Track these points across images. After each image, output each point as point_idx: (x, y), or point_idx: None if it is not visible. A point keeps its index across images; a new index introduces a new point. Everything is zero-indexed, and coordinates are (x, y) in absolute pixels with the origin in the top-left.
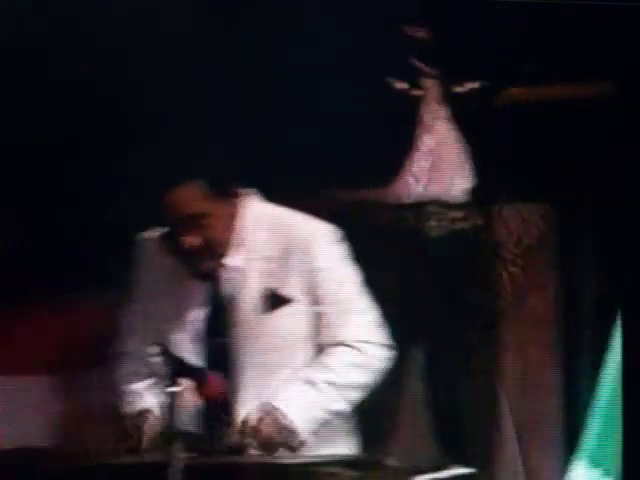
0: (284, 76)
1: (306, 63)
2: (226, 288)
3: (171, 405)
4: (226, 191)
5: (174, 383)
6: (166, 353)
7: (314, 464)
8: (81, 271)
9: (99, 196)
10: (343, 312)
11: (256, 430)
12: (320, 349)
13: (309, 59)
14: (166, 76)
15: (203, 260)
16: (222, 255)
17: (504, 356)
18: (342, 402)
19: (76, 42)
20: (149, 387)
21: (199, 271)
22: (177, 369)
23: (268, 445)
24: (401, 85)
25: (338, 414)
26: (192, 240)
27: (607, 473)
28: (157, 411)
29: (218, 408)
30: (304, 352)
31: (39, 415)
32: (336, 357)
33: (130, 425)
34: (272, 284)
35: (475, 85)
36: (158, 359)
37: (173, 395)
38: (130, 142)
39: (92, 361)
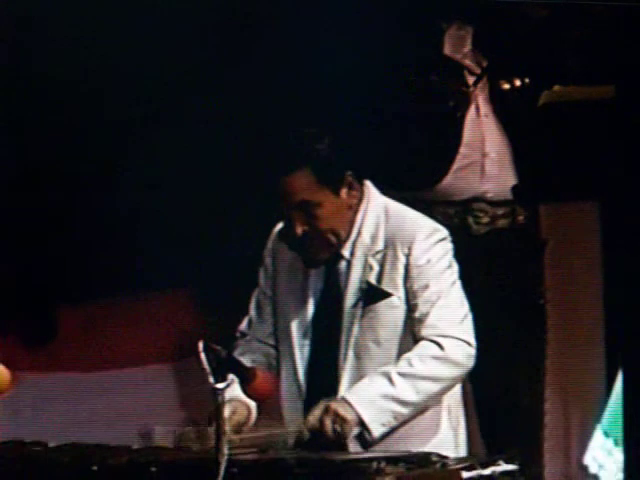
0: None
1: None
2: (335, 279)
3: (217, 401)
4: (338, 181)
5: (221, 379)
6: (213, 350)
7: (361, 460)
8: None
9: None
10: (432, 307)
11: (323, 423)
12: (414, 341)
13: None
14: (281, 67)
15: (313, 249)
16: (333, 245)
17: (549, 353)
18: (415, 394)
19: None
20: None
21: (310, 259)
22: (224, 365)
23: (334, 438)
24: (446, 84)
25: (409, 405)
26: (302, 228)
27: (616, 443)
28: (247, 401)
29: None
30: (401, 345)
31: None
32: (416, 350)
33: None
34: (374, 277)
35: (520, 83)
36: (205, 355)
37: (220, 391)
38: (245, 131)
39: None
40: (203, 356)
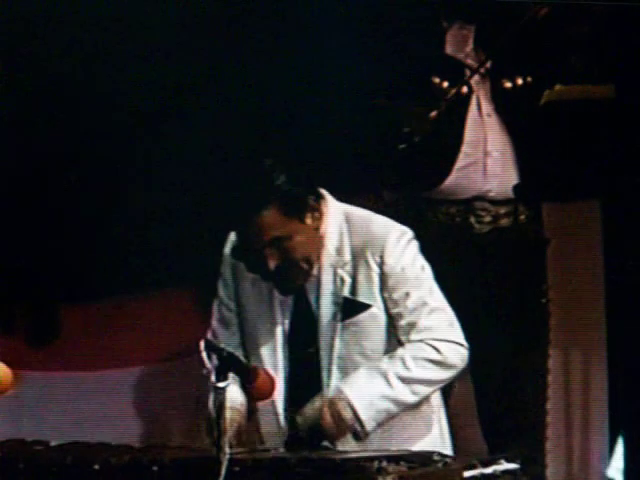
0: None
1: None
2: (304, 295)
3: (218, 400)
4: (302, 209)
5: (222, 378)
6: (214, 348)
7: (363, 459)
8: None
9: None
10: (420, 312)
11: (321, 418)
12: (397, 349)
13: (348, 64)
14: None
15: (288, 279)
16: (307, 272)
17: (551, 352)
18: (411, 396)
19: None
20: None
21: (284, 288)
22: (226, 364)
23: (331, 433)
24: (446, 84)
25: (405, 406)
26: (275, 263)
27: None
28: (242, 409)
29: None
30: (385, 354)
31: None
32: (412, 352)
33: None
34: (348, 290)
35: (522, 82)
36: (206, 354)
37: (221, 390)
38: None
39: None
40: (205, 355)
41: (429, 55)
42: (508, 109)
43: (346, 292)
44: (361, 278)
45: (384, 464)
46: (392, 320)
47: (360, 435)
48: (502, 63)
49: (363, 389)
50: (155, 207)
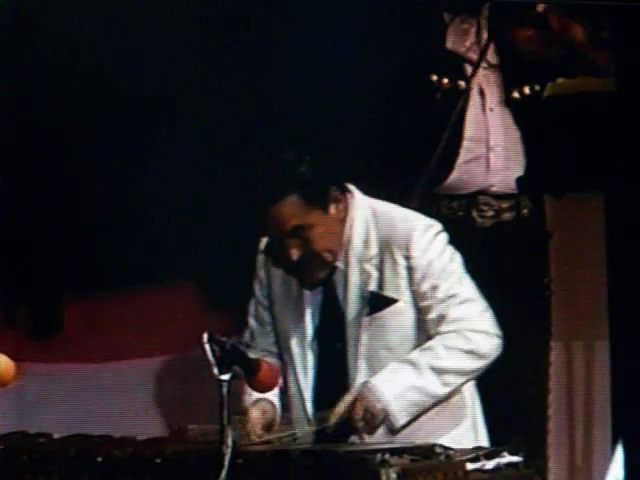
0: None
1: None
2: (332, 290)
3: (222, 393)
4: (325, 199)
5: (226, 371)
6: (217, 341)
7: (366, 452)
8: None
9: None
10: (451, 304)
11: (353, 412)
12: (427, 342)
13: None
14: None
15: (311, 271)
16: (330, 263)
17: (554, 345)
18: (442, 387)
19: None
20: None
21: (308, 281)
22: (229, 357)
23: (363, 428)
24: (447, 80)
25: (437, 398)
26: (298, 253)
27: None
28: (275, 402)
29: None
30: (410, 350)
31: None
32: (443, 342)
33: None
34: (375, 284)
35: (526, 77)
36: (209, 347)
37: (225, 383)
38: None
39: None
40: (208, 347)
41: (430, 50)
42: (511, 103)
43: (373, 286)
44: (388, 272)
45: (387, 457)
46: (421, 314)
47: (392, 428)
48: (505, 56)
49: (394, 381)
50: (160, 200)
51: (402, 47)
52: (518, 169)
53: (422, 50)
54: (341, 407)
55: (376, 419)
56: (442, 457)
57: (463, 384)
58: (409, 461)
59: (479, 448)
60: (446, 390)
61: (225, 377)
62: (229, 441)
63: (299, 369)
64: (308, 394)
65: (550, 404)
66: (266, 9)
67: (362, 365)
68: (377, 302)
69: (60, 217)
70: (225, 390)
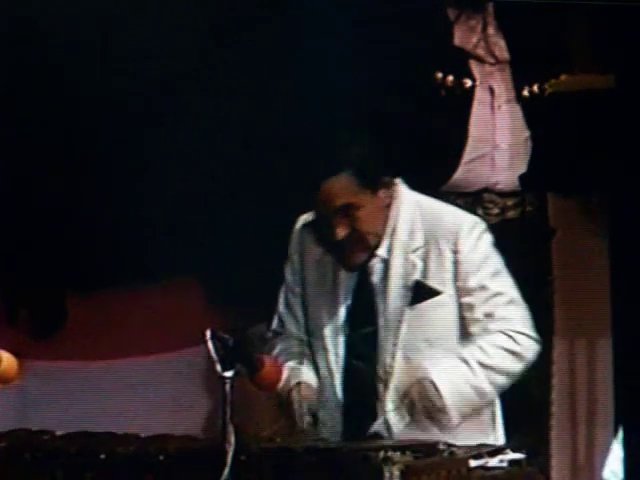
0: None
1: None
2: (369, 278)
3: (224, 390)
4: (376, 182)
5: (229, 368)
6: (220, 337)
7: (369, 449)
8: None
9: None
10: (498, 303)
11: (410, 401)
12: (470, 339)
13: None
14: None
15: (353, 252)
16: (372, 247)
17: (556, 342)
18: (490, 385)
19: None
20: (304, 364)
21: (349, 263)
22: (231, 354)
23: (420, 416)
24: (452, 78)
25: (484, 396)
26: (344, 232)
27: None
28: (313, 383)
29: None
30: (450, 344)
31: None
32: (491, 341)
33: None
34: (419, 275)
35: (534, 74)
36: (212, 343)
37: (227, 380)
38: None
39: None
40: (210, 344)
41: (436, 48)
42: (521, 101)
43: (417, 277)
44: (433, 264)
45: (390, 454)
46: (463, 310)
47: (445, 423)
48: (514, 53)
49: (450, 379)
50: (162, 197)
51: (407, 45)
52: (523, 167)
53: (427, 48)
54: (400, 392)
55: (437, 416)
56: (445, 454)
57: (506, 387)
58: (412, 458)
59: (482, 445)
60: (492, 390)
61: (228, 374)
62: (232, 438)
63: (331, 353)
64: (338, 378)
65: (553, 401)
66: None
67: (399, 354)
68: (421, 292)
69: (61, 215)
70: (228, 387)
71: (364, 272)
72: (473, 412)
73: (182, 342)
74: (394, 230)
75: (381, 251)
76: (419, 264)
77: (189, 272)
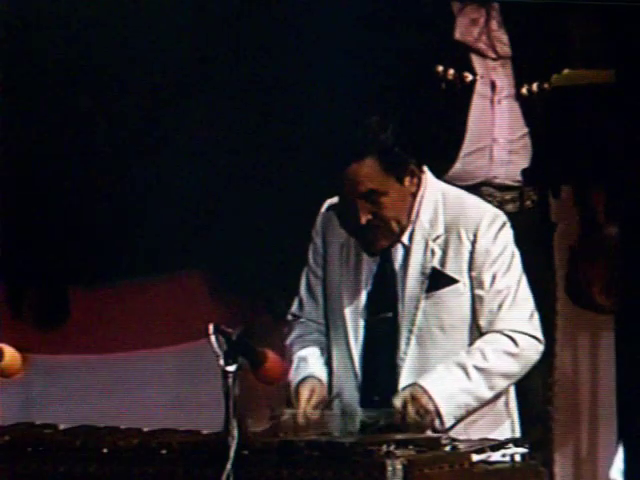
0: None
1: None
2: (391, 263)
3: (227, 384)
4: (402, 169)
5: (232, 362)
6: (222, 332)
7: (371, 443)
8: None
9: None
10: (503, 301)
11: (404, 411)
12: (479, 333)
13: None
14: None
15: (377, 237)
16: (395, 233)
17: (559, 337)
18: (488, 389)
19: None
20: (315, 355)
21: (371, 248)
22: (234, 348)
23: (413, 426)
24: (453, 71)
25: (482, 401)
26: (367, 217)
27: None
28: (323, 378)
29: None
30: (464, 333)
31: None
32: (491, 344)
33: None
34: (437, 263)
35: (535, 69)
36: (215, 338)
37: (230, 374)
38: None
39: None
40: (213, 338)
41: (437, 40)
42: (521, 96)
43: (436, 264)
44: (451, 253)
45: (392, 448)
46: (474, 301)
47: (439, 430)
48: (516, 48)
49: (443, 384)
50: (167, 190)
51: (408, 37)
52: (522, 161)
53: (428, 41)
54: (397, 403)
55: (428, 421)
56: (448, 448)
57: (507, 388)
58: (415, 452)
59: (485, 440)
60: (491, 394)
61: (231, 368)
62: (235, 432)
63: (351, 337)
64: (358, 362)
65: (555, 395)
66: None
67: (413, 341)
68: (438, 280)
69: (66, 208)
70: (231, 381)
71: (386, 258)
72: (471, 414)
73: (186, 336)
74: (417, 217)
75: (404, 238)
76: (438, 252)
77: (193, 266)
